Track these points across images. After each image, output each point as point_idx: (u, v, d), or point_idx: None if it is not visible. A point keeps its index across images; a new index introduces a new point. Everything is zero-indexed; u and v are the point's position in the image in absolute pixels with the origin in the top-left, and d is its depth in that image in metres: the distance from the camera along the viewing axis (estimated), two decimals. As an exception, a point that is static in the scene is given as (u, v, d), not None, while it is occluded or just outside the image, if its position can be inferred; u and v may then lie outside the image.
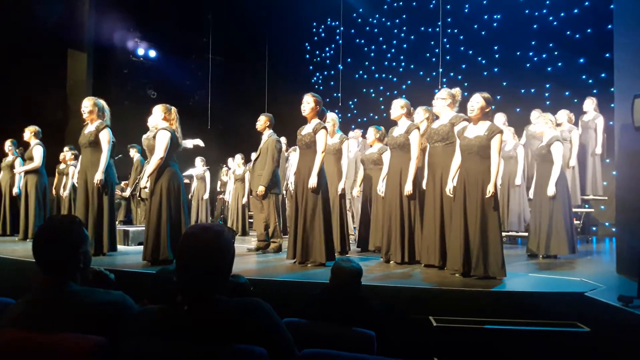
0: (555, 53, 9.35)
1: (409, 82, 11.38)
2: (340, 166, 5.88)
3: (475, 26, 10.50)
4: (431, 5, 11.14)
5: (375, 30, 12.38)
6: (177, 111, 4.97)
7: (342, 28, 12.72)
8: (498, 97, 9.15)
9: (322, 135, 4.68)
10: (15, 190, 7.39)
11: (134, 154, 8.95)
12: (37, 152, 7.10)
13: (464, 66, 10.56)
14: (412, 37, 11.72)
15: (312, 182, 4.61)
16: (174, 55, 12.21)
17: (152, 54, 12.13)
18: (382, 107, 10.77)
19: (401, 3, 11.88)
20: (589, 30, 8.90)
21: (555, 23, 9.44)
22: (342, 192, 5.74)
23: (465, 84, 8.82)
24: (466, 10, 10.68)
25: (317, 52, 13.57)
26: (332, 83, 12.88)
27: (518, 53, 9.82)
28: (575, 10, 9.17)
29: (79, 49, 10.53)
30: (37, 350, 1.41)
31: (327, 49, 13.30)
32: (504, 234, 6.40)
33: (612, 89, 4.81)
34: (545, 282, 4.10)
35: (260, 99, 12.73)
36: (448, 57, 10.77)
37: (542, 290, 3.73)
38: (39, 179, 7.18)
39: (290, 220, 5.12)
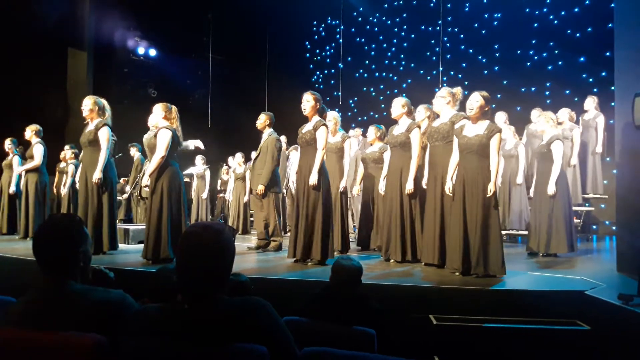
0: (556, 52, 9.35)
1: (410, 80, 11.36)
2: (342, 165, 5.88)
3: (476, 25, 10.49)
4: (431, 4, 11.13)
5: (376, 29, 12.37)
6: (178, 110, 4.98)
7: (342, 27, 12.72)
8: (498, 95, 9.15)
9: (322, 132, 4.67)
10: (12, 189, 7.33)
11: (134, 152, 8.94)
12: (38, 150, 7.10)
13: (464, 65, 10.55)
14: (413, 35, 11.70)
15: (313, 179, 4.60)
16: (174, 54, 12.19)
17: (153, 52, 12.11)
18: (383, 105, 10.75)
19: (401, 2, 11.87)
20: (589, 29, 8.89)
21: (555, 22, 9.43)
22: (344, 190, 5.74)
23: (466, 83, 8.80)
24: (467, 9, 10.67)
25: (318, 50, 13.57)
26: (332, 82, 12.87)
27: (518, 52, 9.81)
28: (576, 9, 9.17)
29: (79, 48, 10.53)
30: (37, 349, 1.41)
31: (327, 47, 13.29)
32: (504, 232, 6.40)
33: (613, 88, 4.82)
34: (545, 280, 4.10)
35: (260, 97, 12.74)
36: (448, 56, 10.76)
37: (542, 289, 3.73)
38: (39, 177, 7.18)
39: (291, 218, 5.12)
